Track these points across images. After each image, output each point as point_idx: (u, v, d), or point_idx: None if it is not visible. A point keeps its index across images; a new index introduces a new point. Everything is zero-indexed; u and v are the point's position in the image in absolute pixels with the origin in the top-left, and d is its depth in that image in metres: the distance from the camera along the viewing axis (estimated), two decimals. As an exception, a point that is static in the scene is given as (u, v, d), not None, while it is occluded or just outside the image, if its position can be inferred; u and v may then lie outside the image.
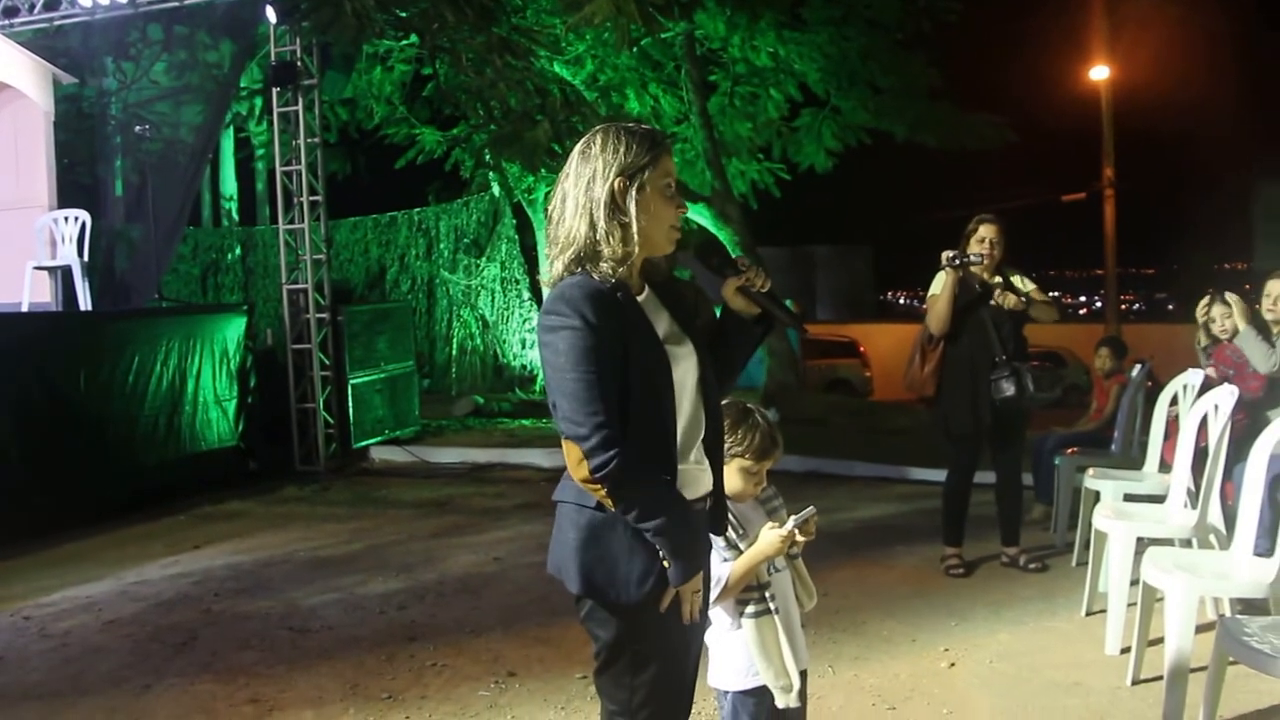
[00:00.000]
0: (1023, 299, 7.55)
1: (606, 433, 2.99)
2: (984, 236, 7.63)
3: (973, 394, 7.55)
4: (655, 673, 3.22)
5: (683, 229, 3.32)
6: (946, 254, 7.52)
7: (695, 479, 3.30)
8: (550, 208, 3.27)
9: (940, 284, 7.62)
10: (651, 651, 3.21)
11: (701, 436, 3.32)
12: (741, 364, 3.56)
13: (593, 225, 3.13)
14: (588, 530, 3.17)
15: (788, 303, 3.64)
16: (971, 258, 7.51)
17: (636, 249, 3.14)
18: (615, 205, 3.13)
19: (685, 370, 3.23)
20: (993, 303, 7.54)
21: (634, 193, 3.13)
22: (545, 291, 3.27)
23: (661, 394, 3.14)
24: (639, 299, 3.23)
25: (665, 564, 3.09)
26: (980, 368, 7.54)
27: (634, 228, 3.13)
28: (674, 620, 3.22)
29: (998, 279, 7.69)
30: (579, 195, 3.16)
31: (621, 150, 3.15)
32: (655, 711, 3.25)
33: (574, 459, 3.07)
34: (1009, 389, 7.45)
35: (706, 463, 3.35)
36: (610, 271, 3.12)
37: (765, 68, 17.43)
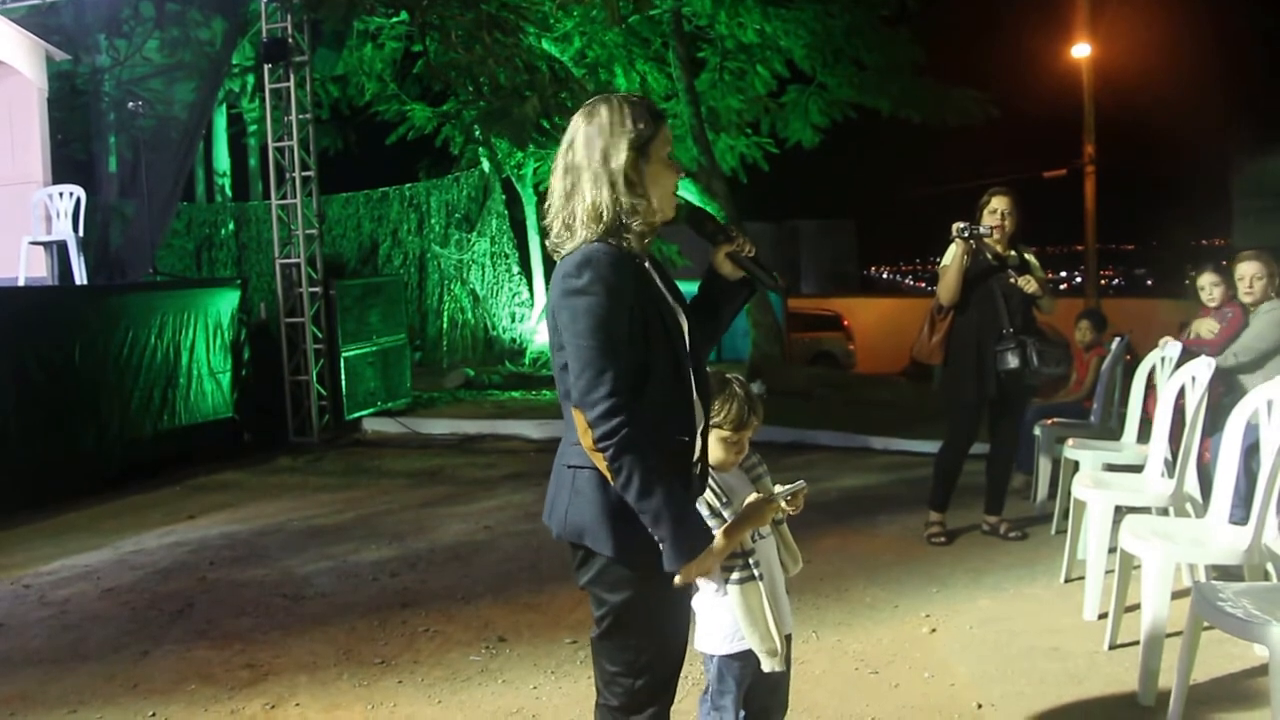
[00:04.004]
0: (1041, 290, 7.60)
1: (614, 401, 3.03)
2: (996, 209, 7.65)
3: (978, 364, 7.58)
4: (661, 634, 3.31)
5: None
6: (957, 225, 7.51)
7: (698, 443, 3.38)
8: (555, 180, 3.29)
9: (951, 255, 7.64)
10: (659, 613, 3.28)
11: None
12: (725, 327, 3.62)
13: (616, 198, 3.18)
14: (613, 494, 3.18)
15: (774, 274, 3.67)
16: (982, 230, 7.53)
17: (658, 218, 3.23)
18: (634, 178, 3.19)
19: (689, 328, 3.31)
20: (1010, 280, 7.61)
21: (644, 164, 3.20)
22: (559, 257, 3.28)
23: (684, 359, 3.23)
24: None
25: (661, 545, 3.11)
26: (986, 339, 7.57)
27: (651, 198, 3.21)
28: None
29: (1012, 253, 7.72)
30: (596, 168, 3.19)
31: (631, 121, 3.20)
32: (657, 673, 3.33)
33: (582, 426, 3.11)
34: (1013, 361, 7.46)
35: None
36: (637, 243, 3.20)
37: (752, 44, 17.44)
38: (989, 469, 8.06)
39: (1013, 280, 7.56)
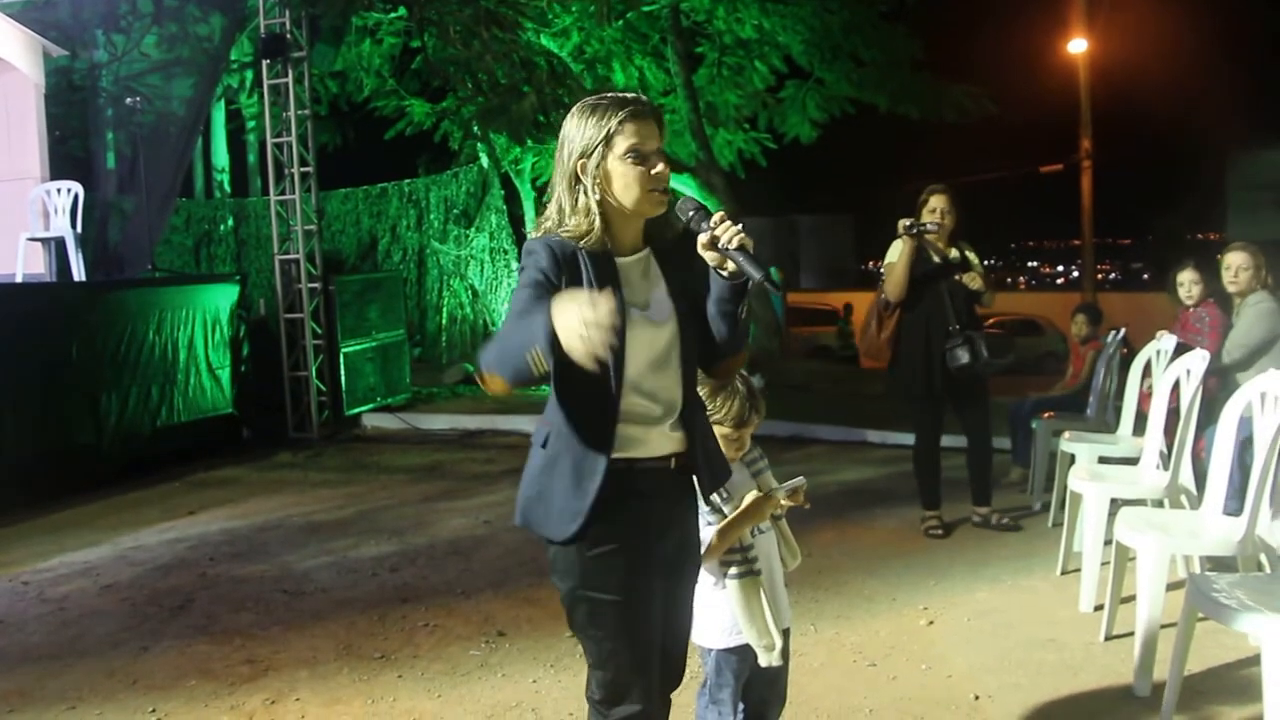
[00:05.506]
0: (984, 285, 7.72)
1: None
2: (935, 207, 7.76)
3: (927, 359, 7.68)
4: (614, 623, 3.30)
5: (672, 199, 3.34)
6: (903, 222, 7.63)
7: (663, 439, 3.33)
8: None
9: (897, 251, 7.73)
10: (606, 600, 3.28)
11: (681, 399, 3.33)
12: (727, 323, 3.37)
13: (560, 209, 3.28)
14: (531, 469, 3.35)
15: (771, 270, 3.39)
16: (928, 226, 7.64)
17: (596, 224, 3.22)
18: (579, 183, 3.24)
19: (660, 333, 3.28)
20: (956, 278, 7.69)
21: (593, 169, 3.22)
22: None
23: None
24: (626, 259, 3.30)
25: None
26: (935, 335, 7.66)
27: (592, 204, 3.22)
28: (627, 569, 3.29)
29: (954, 251, 7.82)
30: (557, 180, 3.30)
31: (582, 129, 3.24)
32: (624, 662, 3.33)
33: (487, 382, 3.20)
34: (964, 356, 7.56)
35: (678, 425, 3.34)
36: (585, 237, 3.22)
37: (750, 40, 17.45)
38: (969, 461, 8.12)
39: (958, 278, 7.67)
